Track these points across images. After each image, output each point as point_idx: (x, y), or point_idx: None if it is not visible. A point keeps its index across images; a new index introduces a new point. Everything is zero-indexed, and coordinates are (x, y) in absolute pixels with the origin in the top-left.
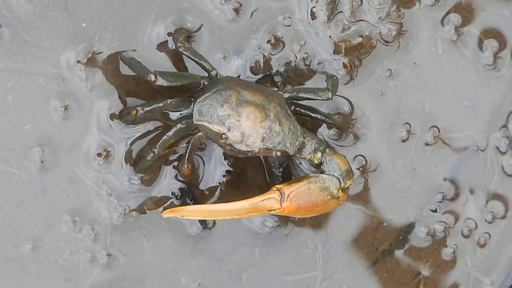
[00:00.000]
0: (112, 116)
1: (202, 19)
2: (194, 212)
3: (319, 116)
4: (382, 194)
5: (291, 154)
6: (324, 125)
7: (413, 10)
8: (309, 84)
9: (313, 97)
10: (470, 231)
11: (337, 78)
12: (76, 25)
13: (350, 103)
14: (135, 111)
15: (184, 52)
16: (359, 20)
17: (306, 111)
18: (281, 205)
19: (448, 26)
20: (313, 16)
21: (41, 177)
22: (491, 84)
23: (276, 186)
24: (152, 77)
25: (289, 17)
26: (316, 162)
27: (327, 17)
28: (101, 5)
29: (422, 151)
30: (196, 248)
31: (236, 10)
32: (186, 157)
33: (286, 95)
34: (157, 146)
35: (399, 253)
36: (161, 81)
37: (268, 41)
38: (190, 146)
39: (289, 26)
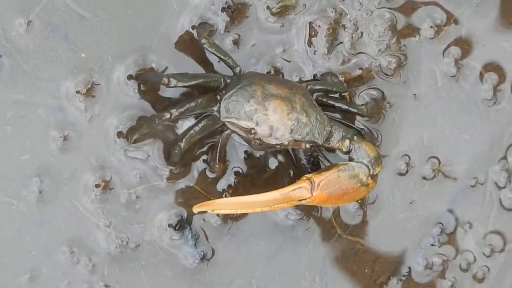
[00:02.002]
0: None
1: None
2: (226, 205)
3: (344, 107)
4: (381, 226)
5: (320, 144)
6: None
7: (413, 43)
8: None
9: (333, 89)
10: (469, 264)
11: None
12: (76, 55)
13: (381, 91)
14: (169, 114)
15: (209, 49)
16: (359, 53)
17: (330, 101)
18: (311, 194)
19: (448, 59)
20: (312, 48)
21: (39, 207)
22: (490, 117)
23: (306, 175)
24: (166, 81)
25: (289, 48)
26: (344, 150)
27: (327, 48)
28: (101, 36)
29: (420, 184)
30: (194, 279)
31: (236, 42)
32: (218, 156)
33: (309, 87)
34: (183, 140)
35: (396, 286)
36: (174, 82)
37: (268, 72)
38: (219, 145)
39: (288, 59)
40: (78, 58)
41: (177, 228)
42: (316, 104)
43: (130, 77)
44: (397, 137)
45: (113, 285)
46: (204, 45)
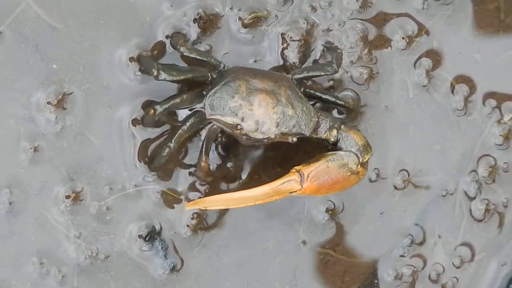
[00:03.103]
0: None
1: (174, 60)
2: (217, 202)
3: (330, 98)
4: (351, 237)
5: (307, 135)
6: None
7: (384, 54)
8: None
9: (321, 73)
10: (438, 275)
11: (340, 50)
12: (47, 66)
13: (356, 93)
14: (153, 111)
15: (190, 55)
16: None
17: (316, 93)
18: (301, 186)
19: (419, 70)
20: (284, 59)
21: (9, 219)
22: (461, 128)
23: (295, 167)
24: (155, 72)
25: (260, 60)
26: (332, 140)
27: (299, 60)
28: (72, 47)
29: (391, 194)
30: None
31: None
32: (204, 150)
33: (295, 77)
34: (172, 140)
35: None
36: (163, 76)
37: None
38: (206, 138)
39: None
40: (49, 69)
41: (147, 239)
42: (302, 95)
43: (131, 59)
44: None
45: None
46: (184, 53)
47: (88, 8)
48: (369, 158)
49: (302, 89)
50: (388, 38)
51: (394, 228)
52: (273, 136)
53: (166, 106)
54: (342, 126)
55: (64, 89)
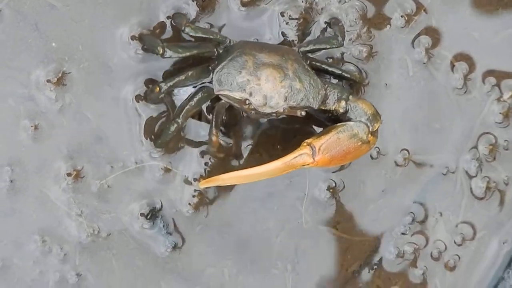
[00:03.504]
0: None
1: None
2: (230, 179)
3: (336, 71)
4: (352, 215)
5: (316, 108)
6: None
7: (384, 32)
8: None
9: (327, 46)
10: (440, 253)
11: (342, 23)
12: (46, 45)
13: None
14: (158, 88)
15: (194, 34)
16: None
17: (322, 65)
18: (313, 159)
19: (419, 48)
20: (284, 36)
21: (10, 197)
22: (461, 106)
23: (306, 141)
24: (160, 50)
25: (259, 39)
26: (341, 111)
27: (298, 38)
28: (71, 25)
29: (392, 172)
30: (166, 268)
31: None
32: (214, 124)
33: (301, 50)
34: (180, 116)
35: (368, 274)
36: (169, 53)
37: None
38: (215, 113)
39: None
40: (48, 48)
41: (148, 217)
42: (309, 68)
43: (133, 37)
44: None
45: (84, 274)
46: (190, 33)
47: None
48: (378, 127)
49: (308, 62)
50: (387, 17)
51: (395, 206)
52: (281, 110)
53: (171, 83)
54: (350, 97)
55: (63, 68)
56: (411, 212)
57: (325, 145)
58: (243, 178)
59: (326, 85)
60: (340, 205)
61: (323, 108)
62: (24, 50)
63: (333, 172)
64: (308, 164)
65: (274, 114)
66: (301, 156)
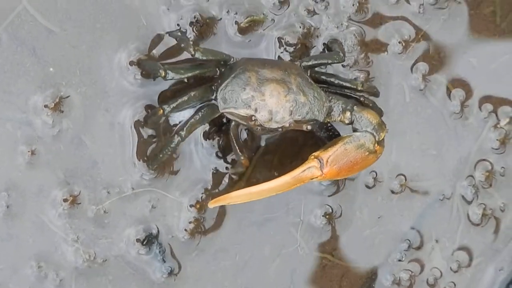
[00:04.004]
0: None
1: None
2: (240, 197)
3: (340, 82)
4: (348, 241)
5: (321, 121)
6: None
7: (381, 58)
8: None
9: (328, 61)
10: (436, 280)
11: (340, 41)
12: (44, 69)
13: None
14: (162, 110)
15: (203, 57)
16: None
17: (325, 78)
18: (322, 171)
19: (416, 74)
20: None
21: (6, 222)
22: (458, 132)
23: (313, 154)
24: (162, 73)
25: None
26: (347, 122)
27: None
28: (69, 50)
29: (388, 199)
30: None
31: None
32: (237, 148)
33: (303, 64)
34: (184, 129)
35: None
36: (171, 75)
37: None
38: (232, 137)
39: None
40: (46, 73)
41: (145, 243)
42: (312, 81)
43: (132, 63)
44: None
45: None
46: (200, 57)
47: (85, 12)
48: (384, 136)
49: (309, 75)
50: (384, 42)
51: (391, 232)
52: (287, 125)
53: (174, 104)
54: (355, 107)
55: (61, 93)
56: (407, 239)
57: (333, 157)
58: (253, 195)
59: (330, 97)
60: (336, 231)
61: (328, 120)
62: (22, 75)
63: (329, 196)
64: (317, 177)
65: (280, 129)
66: (309, 169)
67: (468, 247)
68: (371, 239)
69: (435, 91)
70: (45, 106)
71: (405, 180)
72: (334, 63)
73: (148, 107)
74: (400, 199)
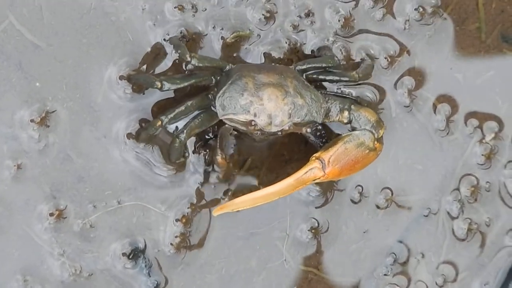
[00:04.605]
0: None
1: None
2: (244, 203)
3: (334, 78)
4: (334, 256)
5: (320, 122)
6: None
7: None
8: None
9: (323, 64)
10: None
11: (330, 47)
12: (30, 84)
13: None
14: (160, 121)
15: (199, 64)
16: None
17: (320, 76)
18: (324, 172)
19: (402, 89)
20: None
21: None
22: (443, 148)
23: (315, 155)
24: (159, 84)
25: None
26: (345, 121)
27: None
28: (55, 65)
29: (374, 213)
30: None
31: (190, 71)
32: (218, 147)
33: (297, 68)
34: (184, 131)
35: None
36: (167, 86)
37: None
38: (219, 136)
39: None
40: (32, 87)
41: (131, 257)
42: (308, 83)
43: (122, 77)
44: None
45: None
46: (196, 64)
47: (71, 27)
48: (383, 133)
49: (305, 77)
50: (371, 57)
51: (377, 246)
52: (287, 128)
53: (172, 115)
54: (352, 106)
55: (47, 107)
56: (393, 253)
57: (334, 157)
58: (257, 199)
59: (327, 98)
60: (322, 245)
61: (327, 121)
62: (8, 90)
63: (316, 208)
64: (319, 178)
65: (280, 133)
66: (311, 170)
67: (453, 262)
68: (357, 254)
69: (421, 107)
70: (31, 120)
71: (391, 194)
72: (328, 66)
73: (142, 121)
74: (385, 214)
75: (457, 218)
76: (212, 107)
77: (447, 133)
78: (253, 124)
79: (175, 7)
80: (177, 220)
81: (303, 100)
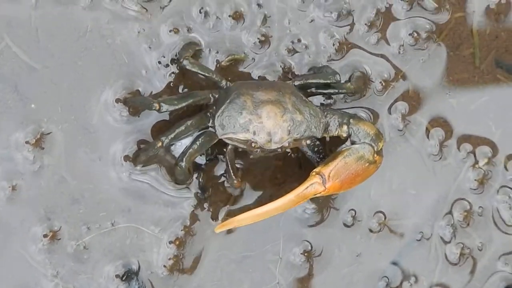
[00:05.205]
0: None
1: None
2: (245, 219)
3: (331, 91)
4: (327, 279)
5: (319, 137)
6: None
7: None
8: None
9: (321, 80)
10: None
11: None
12: (25, 106)
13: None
14: (160, 143)
15: (192, 69)
16: None
17: (317, 90)
18: (325, 187)
19: (395, 114)
20: None
21: None
22: (436, 172)
23: (315, 170)
24: (157, 106)
25: None
26: (344, 135)
27: None
28: (50, 87)
29: (367, 237)
30: None
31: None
32: (231, 171)
33: (295, 83)
34: (183, 159)
35: None
36: (165, 107)
37: None
38: (228, 160)
39: None
40: (27, 109)
41: (124, 278)
42: (306, 98)
43: (118, 100)
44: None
45: None
46: (186, 66)
47: (67, 49)
48: (382, 145)
49: (303, 92)
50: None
51: (369, 270)
52: (286, 144)
53: (172, 135)
54: (351, 120)
55: (42, 129)
56: (385, 277)
57: (334, 171)
58: (258, 216)
59: (326, 112)
60: (314, 268)
61: (326, 135)
62: (3, 111)
63: (310, 226)
64: (320, 192)
65: (280, 150)
66: (312, 185)
67: (446, 286)
68: (349, 277)
69: (414, 131)
70: (27, 142)
71: (384, 218)
72: (327, 82)
73: (141, 142)
74: (378, 238)
75: (450, 242)
76: (210, 127)
77: (440, 158)
78: (252, 142)
79: (170, 30)
80: (170, 242)
81: (302, 116)
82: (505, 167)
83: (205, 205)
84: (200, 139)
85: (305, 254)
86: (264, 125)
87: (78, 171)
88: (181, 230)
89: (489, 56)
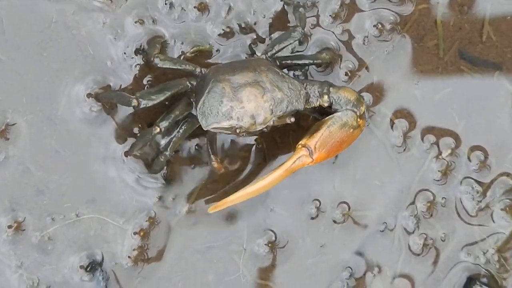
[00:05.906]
0: None
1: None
2: (238, 198)
3: (306, 61)
4: (291, 270)
5: (302, 109)
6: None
7: None
8: None
9: (290, 41)
10: None
11: (303, 8)
12: None
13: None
14: (159, 128)
15: (162, 66)
16: None
17: (292, 61)
18: (312, 158)
19: None
20: None
21: None
22: (400, 163)
23: (300, 143)
24: (135, 102)
25: None
26: (326, 105)
27: None
28: (15, 78)
29: (330, 228)
30: None
31: (151, 85)
32: (211, 152)
33: (268, 55)
34: (168, 149)
35: None
36: (144, 102)
37: None
38: (208, 142)
39: None
40: None
41: (88, 269)
42: (283, 72)
43: (89, 95)
44: (308, 181)
45: None
46: (158, 65)
47: (32, 41)
48: (364, 109)
49: (278, 64)
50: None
51: (333, 261)
52: (271, 123)
53: (169, 120)
54: (331, 89)
55: (7, 120)
56: (349, 267)
57: (320, 142)
58: (250, 194)
59: (305, 84)
60: (278, 259)
61: (307, 107)
62: None
63: (273, 217)
64: (308, 164)
65: (265, 129)
66: (299, 159)
67: (409, 276)
68: (314, 268)
69: (379, 123)
70: None
71: (348, 209)
72: (295, 40)
73: (141, 129)
74: (342, 229)
75: (413, 233)
76: (192, 111)
77: (404, 149)
78: (237, 128)
79: (135, 22)
80: (135, 233)
81: (282, 93)
82: (468, 158)
83: (170, 196)
84: (182, 127)
85: (269, 245)
86: (246, 109)
87: (43, 162)
88: (146, 221)
89: (452, 48)
